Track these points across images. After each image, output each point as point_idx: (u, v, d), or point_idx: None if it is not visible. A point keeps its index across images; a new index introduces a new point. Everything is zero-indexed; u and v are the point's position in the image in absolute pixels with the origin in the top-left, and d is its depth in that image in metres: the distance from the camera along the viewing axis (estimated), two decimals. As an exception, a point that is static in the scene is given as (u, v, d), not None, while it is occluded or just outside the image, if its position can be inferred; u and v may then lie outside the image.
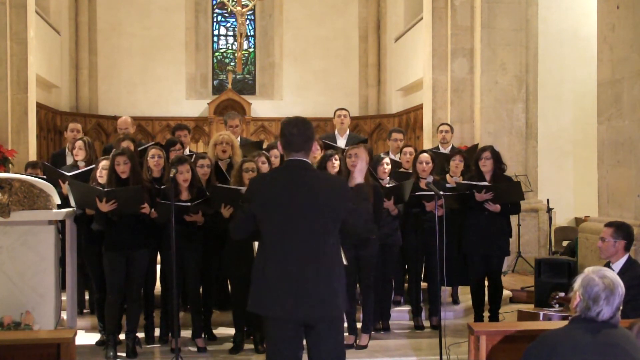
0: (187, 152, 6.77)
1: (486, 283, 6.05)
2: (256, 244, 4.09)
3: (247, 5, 15.07)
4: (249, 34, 15.86)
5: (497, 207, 5.76)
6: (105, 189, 5.12)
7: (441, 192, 5.23)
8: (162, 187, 5.37)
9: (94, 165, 5.76)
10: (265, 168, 5.58)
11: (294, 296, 3.12)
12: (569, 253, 8.16)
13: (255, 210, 3.25)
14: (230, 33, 16.00)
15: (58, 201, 5.20)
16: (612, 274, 2.75)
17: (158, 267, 5.73)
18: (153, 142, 7.26)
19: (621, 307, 2.73)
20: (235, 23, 15.42)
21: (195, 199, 5.32)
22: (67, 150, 7.00)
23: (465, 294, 6.61)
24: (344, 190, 3.30)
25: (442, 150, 7.40)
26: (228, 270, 5.52)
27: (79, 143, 6.18)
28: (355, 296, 5.73)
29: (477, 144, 8.17)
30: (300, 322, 3.18)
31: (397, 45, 14.15)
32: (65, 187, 5.49)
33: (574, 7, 9.75)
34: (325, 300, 3.17)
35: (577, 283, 2.77)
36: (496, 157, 5.86)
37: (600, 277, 2.71)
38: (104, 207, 5.06)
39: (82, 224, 5.52)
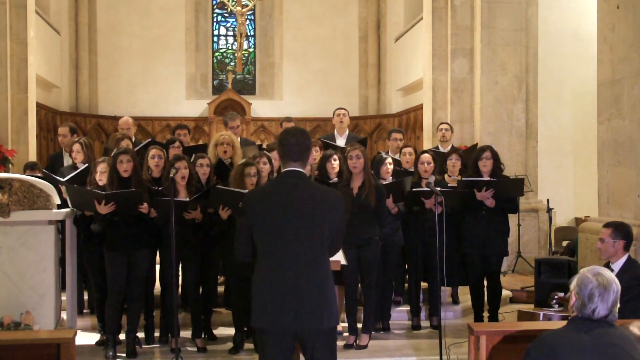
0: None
1: (485, 283, 6.05)
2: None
3: (247, 5, 15.06)
4: (249, 34, 15.84)
5: (492, 202, 5.75)
6: (104, 192, 5.10)
7: (439, 189, 5.22)
8: (160, 188, 5.36)
9: (87, 165, 5.74)
10: (267, 169, 5.56)
11: (291, 308, 3.14)
12: (569, 253, 8.16)
13: (251, 223, 3.26)
14: (230, 33, 15.98)
15: (58, 201, 5.19)
16: (607, 272, 2.78)
17: (157, 267, 5.72)
18: (149, 140, 7.22)
19: (618, 305, 2.75)
20: (235, 23, 15.41)
21: (194, 199, 5.30)
22: (63, 151, 6.99)
23: (465, 294, 6.61)
24: (338, 204, 3.32)
25: (441, 149, 7.40)
26: (228, 270, 5.50)
27: (77, 146, 6.09)
28: (357, 296, 5.73)
29: (477, 144, 8.15)
30: (297, 333, 3.20)
31: (397, 45, 14.15)
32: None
33: (574, 7, 9.75)
34: (321, 311, 3.19)
35: (573, 283, 2.81)
36: (496, 157, 5.87)
37: (594, 275, 2.74)
38: (103, 209, 5.06)
39: (81, 225, 5.51)
